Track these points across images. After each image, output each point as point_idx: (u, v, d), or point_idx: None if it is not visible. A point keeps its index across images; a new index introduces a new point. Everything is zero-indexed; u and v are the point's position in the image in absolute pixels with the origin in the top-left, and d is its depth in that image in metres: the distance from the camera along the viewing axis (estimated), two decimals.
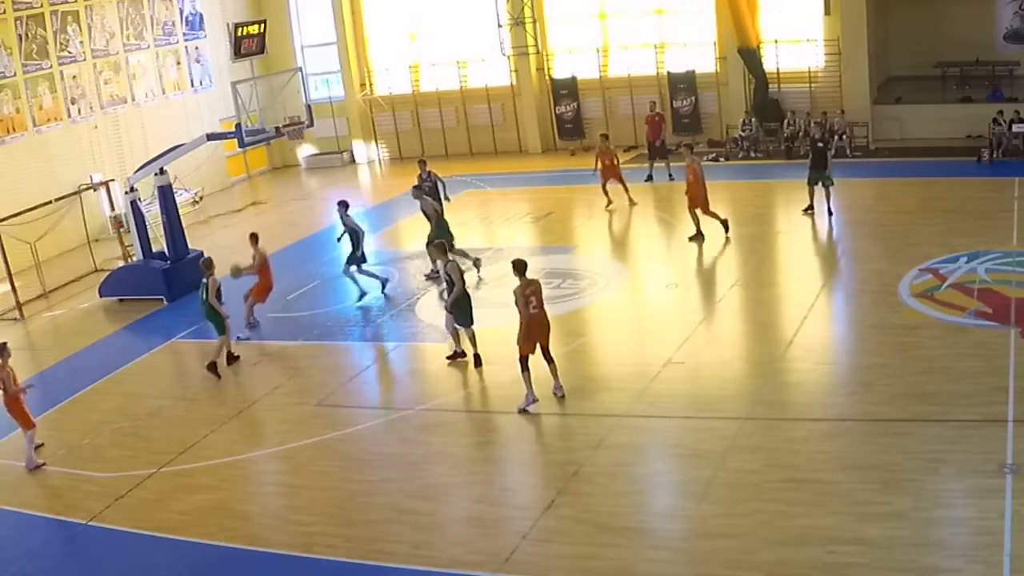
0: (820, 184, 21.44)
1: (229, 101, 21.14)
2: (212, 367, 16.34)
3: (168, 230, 20.90)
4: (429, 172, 21.89)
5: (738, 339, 16.07)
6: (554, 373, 14.04)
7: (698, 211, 20.51)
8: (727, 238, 20.45)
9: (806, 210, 21.85)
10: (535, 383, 13.78)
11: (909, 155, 25.84)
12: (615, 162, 24.17)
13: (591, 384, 14.91)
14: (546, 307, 14.05)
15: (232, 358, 16.89)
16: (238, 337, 17.47)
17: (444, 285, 16.29)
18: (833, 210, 21.39)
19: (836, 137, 26.62)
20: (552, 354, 14.04)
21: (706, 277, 19.06)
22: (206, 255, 17.87)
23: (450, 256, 15.89)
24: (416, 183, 21.47)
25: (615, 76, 30.57)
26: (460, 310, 15.56)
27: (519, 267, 13.96)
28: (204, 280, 16.53)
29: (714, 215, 20.60)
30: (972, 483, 10.83)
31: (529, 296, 13.79)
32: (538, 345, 13.90)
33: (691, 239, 20.54)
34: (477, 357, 15.57)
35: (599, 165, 24.11)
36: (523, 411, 13.72)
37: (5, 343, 13.89)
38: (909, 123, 27.25)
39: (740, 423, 12.78)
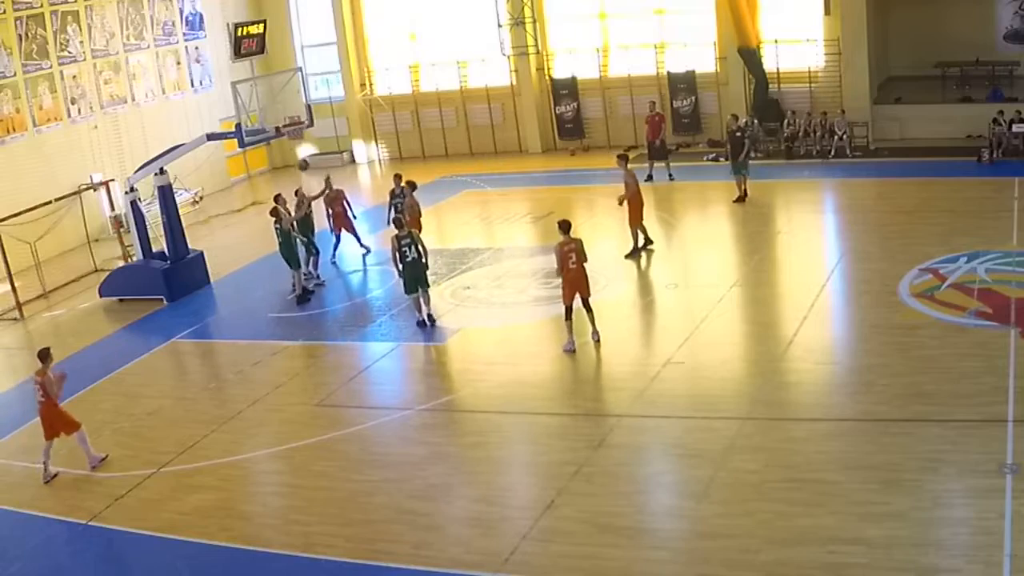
0: (739, 173, 23.24)
1: (229, 101, 21.14)
2: (302, 296, 19.37)
3: (168, 230, 20.89)
4: (402, 188, 21.24)
5: (738, 339, 16.07)
6: (592, 321, 15.70)
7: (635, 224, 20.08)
8: (640, 253, 20.08)
9: (736, 200, 23.09)
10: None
11: (909, 155, 25.83)
12: (347, 209, 22.02)
13: (591, 384, 14.92)
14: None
15: (306, 293, 19.49)
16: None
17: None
18: (745, 195, 23.10)
19: (836, 137, 26.65)
20: (591, 304, 15.67)
21: (706, 277, 19.04)
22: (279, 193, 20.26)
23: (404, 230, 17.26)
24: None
25: (615, 76, 30.58)
26: (405, 279, 17.11)
27: (563, 226, 15.68)
28: (277, 226, 19.22)
29: (643, 230, 20.15)
30: (972, 483, 10.83)
31: (568, 253, 15.37)
32: (579, 296, 15.51)
33: (628, 256, 20.07)
34: (429, 318, 17.36)
35: (331, 212, 21.88)
36: (567, 351, 15.50)
37: (48, 348, 13.79)
38: (909, 123, 27.25)
39: (740, 423, 12.78)
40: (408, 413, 14.43)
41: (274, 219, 19.41)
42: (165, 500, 12.60)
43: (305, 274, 20.19)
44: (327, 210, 21.99)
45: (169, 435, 14.40)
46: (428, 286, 17.59)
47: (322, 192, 21.79)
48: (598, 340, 15.72)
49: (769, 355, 15.01)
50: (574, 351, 15.49)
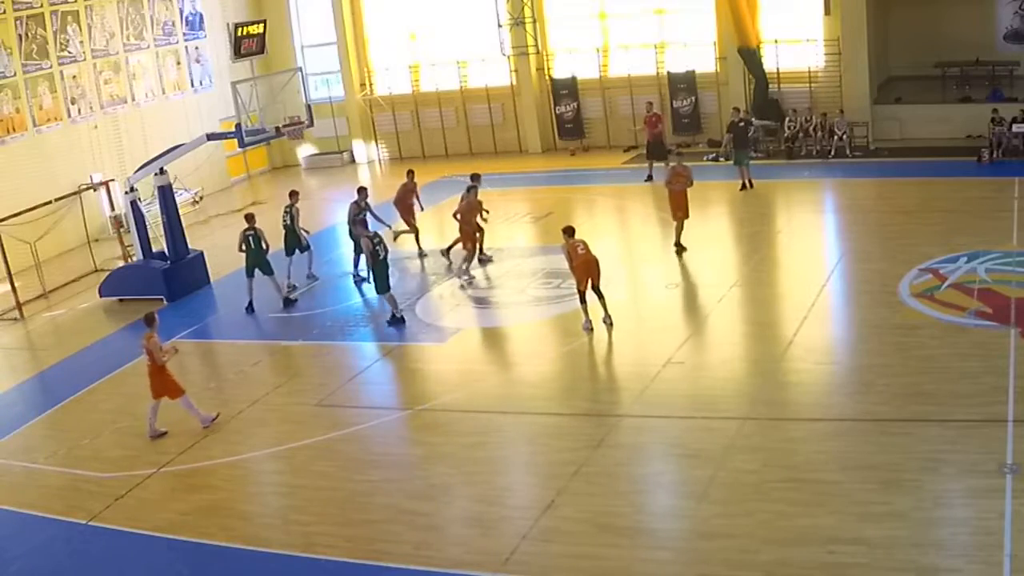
0: (742, 163, 24.04)
1: (229, 101, 21.14)
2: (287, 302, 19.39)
3: (168, 230, 20.89)
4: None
5: (738, 339, 16.07)
6: (604, 306, 16.37)
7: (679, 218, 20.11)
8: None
9: (742, 188, 23.99)
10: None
11: (909, 155, 25.83)
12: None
13: (591, 384, 14.92)
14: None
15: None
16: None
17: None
18: (751, 184, 23.92)
19: (836, 137, 26.64)
20: (602, 290, 16.33)
21: (706, 277, 19.03)
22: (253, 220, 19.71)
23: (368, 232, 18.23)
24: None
25: (615, 76, 30.58)
26: (374, 278, 17.69)
27: (568, 231, 16.52)
28: (251, 232, 19.06)
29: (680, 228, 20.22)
30: (972, 483, 10.83)
31: (576, 244, 16.27)
32: (590, 281, 16.23)
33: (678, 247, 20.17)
34: (393, 318, 17.65)
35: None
36: (585, 330, 16.28)
37: (154, 313, 14.45)
38: (909, 123, 27.25)
39: (740, 423, 12.78)
40: (408, 413, 14.43)
41: (248, 225, 19.26)
42: (165, 500, 12.60)
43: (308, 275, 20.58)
44: (396, 203, 21.89)
45: (169, 435, 14.38)
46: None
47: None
48: (610, 324, 16.28)
49: (769, 355, 15.01)
50: (591, 329, 16.22)
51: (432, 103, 32.60)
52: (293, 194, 20.65)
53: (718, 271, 19.10)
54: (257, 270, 19.15)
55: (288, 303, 19.38)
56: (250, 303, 19.27)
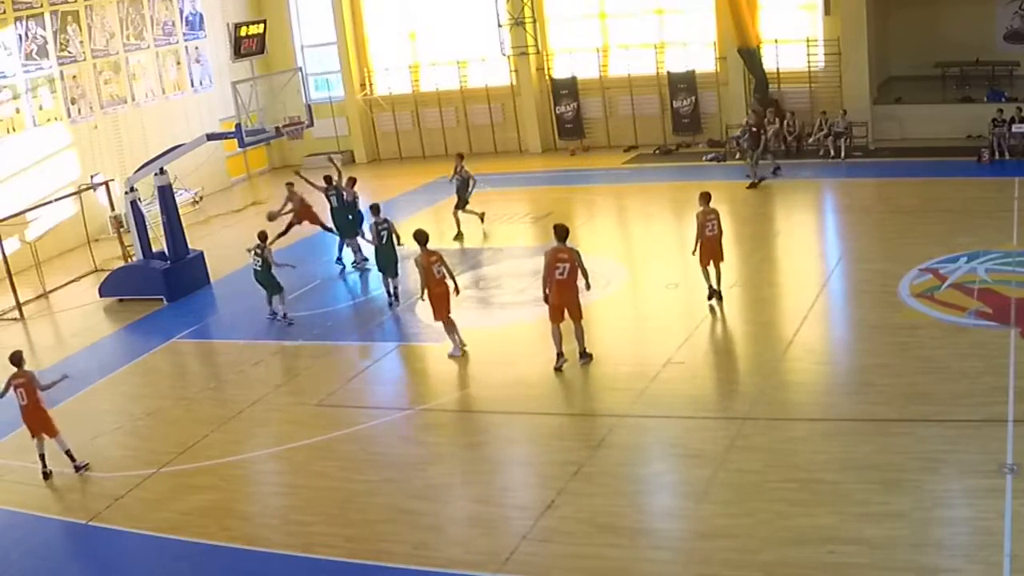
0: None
1: (229, 101, 21.15)
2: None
3: (168, 230, 20.89)
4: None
5: (738, 339, 16.07)
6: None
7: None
8: None
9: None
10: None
11: (909, 155, 25.83)
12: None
13: (591, 384, 14.91)
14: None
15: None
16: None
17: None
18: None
19: (835, 137, 26.62)
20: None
21: None
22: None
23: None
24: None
25: (615, 76, 30.58)
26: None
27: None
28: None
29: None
30: (972, 483, 10.83)
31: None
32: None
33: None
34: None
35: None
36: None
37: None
38: (909, 123, 27.25)
39: (740, 423, 12.78)
40: (408, 413, 14.43)
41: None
42: (165, 500, 12.60)
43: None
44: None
45: (169, 435, 14.40)
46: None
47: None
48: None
49: (769, 355, 15.01)
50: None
51: (432, 103, 32.61)
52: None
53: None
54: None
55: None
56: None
